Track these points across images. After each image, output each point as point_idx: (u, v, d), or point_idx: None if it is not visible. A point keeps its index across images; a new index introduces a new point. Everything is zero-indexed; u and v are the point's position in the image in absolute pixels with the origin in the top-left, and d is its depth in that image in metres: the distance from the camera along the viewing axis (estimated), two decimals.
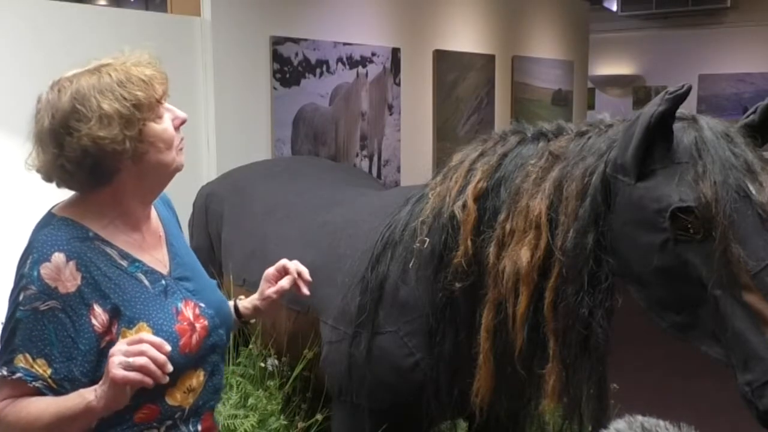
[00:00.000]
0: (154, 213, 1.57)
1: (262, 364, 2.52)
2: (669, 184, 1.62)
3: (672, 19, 11.02)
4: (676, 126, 1.66)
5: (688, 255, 1.60)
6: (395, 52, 5.38)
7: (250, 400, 2.45)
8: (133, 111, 1.36)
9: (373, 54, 5.17)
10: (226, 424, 2.34)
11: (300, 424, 2.43)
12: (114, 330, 1.38)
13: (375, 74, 5.20)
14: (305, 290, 1.68)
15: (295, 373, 2.45)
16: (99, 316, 1.37)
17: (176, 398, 1.46)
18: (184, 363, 1.43)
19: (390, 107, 5.40)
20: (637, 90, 11.73)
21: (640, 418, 1.24)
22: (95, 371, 1.36)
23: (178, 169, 1.48)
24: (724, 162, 1.60)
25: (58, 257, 1.35)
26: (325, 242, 2.34)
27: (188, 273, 1.55)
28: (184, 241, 1.65)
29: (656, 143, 1.65)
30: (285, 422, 2.45)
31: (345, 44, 4.89)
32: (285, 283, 1.67)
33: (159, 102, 1.42)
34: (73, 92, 1.36)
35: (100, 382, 1.29)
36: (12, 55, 3.15)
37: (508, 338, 1.85)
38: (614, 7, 10.95)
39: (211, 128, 4.03)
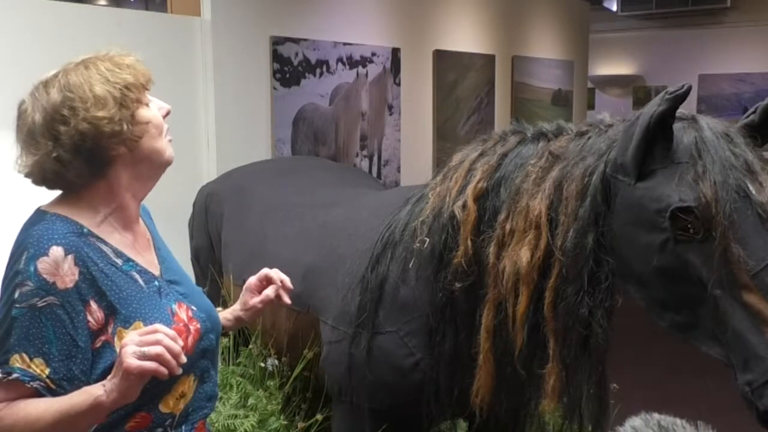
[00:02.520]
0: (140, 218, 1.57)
1: (262, 364, 2.52)
2: (669, 184, 1.62)
3: (672, 19, 11.03)
4: (676, 126, 1.66)
5: (688, 255, 1.60)
6: (395, 52, 5.38)
7: (250, 400, 2.45)
8: (124, 92, 1.38)
9: (373, 54, 5.17)
10: (226, 424, 2.33)
11: (300, 424, 2.43)
12: (110, 329, 1.35)
13: (375, 74, 5.20)
14: (286, 299, 1.68)
15: (295, 373, 2.45)
16: (95, 312, 1.33)
17: (169, 405, 1.43)
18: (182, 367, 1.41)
19: (390, 107, 5.40)
20: (637, 90, 11.74)
21: (656, 416, 1.24)
22: (92, 370, 1.33)
23: (170, 159, 1.48)
24: (724, 162, 1.60)
25: (56, 251, 1.30)
26: (325, 242, 2.34)
27: (177, 277, 1.53)
28: (168, 248, 1.64)
29: (656, 143, 1.65)
30: (285, 422, 2.44)
31: (345, 44, 4.89)
32: (270, 292, 1.66)
33: (145, 88, 1.44)
34: (62, 86, 1.36)
35: (110, 376, 1.26)
36: (12, 55, 3.16)
37: (508, 338, 1.85)
38: (614, 7, 10.96)
39: (211, 128, 4.03)
